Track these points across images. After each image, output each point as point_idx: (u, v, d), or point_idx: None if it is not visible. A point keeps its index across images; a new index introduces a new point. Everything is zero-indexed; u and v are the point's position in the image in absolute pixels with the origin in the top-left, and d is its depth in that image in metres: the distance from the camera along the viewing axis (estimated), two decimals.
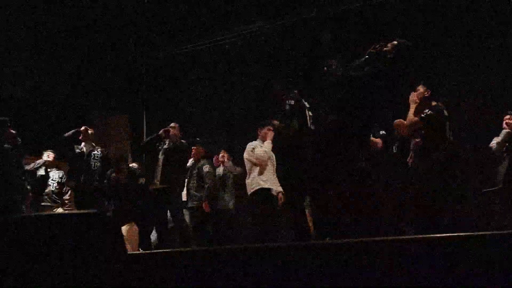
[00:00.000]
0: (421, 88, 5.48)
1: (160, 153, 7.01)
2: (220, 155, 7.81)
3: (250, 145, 6.44)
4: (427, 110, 5.17)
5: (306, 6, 8.50)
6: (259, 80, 8.82)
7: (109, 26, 9.33)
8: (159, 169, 6.90)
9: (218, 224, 7.52)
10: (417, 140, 5.56)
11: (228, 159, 7.79)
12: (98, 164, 7.05)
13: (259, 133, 6.50)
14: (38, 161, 7.44)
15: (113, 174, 7.02)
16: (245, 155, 6.45)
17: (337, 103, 4.64)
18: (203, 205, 7.27)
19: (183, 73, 9.87)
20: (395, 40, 4.63)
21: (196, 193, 7.39)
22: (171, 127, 7.03)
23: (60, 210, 7.41)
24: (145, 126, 10.09)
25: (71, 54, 9.17)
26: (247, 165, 6.45)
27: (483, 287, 2.39)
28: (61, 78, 9.13)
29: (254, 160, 6.32)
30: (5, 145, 6.09)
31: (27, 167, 7.14)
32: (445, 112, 5.23)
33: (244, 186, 6.53)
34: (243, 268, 2.66)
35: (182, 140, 7.14)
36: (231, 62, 9.23)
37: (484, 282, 2.38)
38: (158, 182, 6.89)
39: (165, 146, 7.00)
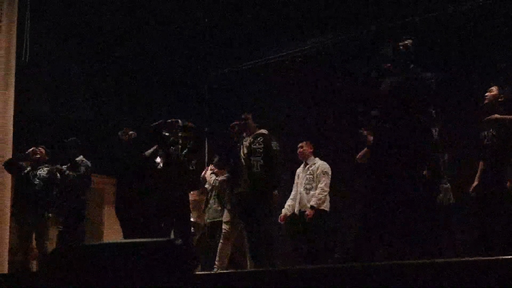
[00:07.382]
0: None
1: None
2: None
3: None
4: None
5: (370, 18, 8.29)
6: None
7: (171, 46, 9.41)
8: None
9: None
10: None
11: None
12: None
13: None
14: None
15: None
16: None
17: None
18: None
19: (245, 89, 9.81)
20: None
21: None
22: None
23: None
24: (206, 142, 10.12)
25: (132, 74, 9.34)
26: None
27: None
28: (123, 99, 9.29)
29: None
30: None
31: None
32: None
33: None
34: None
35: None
36: (293, 78, 9.09)
37: None
38: None
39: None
